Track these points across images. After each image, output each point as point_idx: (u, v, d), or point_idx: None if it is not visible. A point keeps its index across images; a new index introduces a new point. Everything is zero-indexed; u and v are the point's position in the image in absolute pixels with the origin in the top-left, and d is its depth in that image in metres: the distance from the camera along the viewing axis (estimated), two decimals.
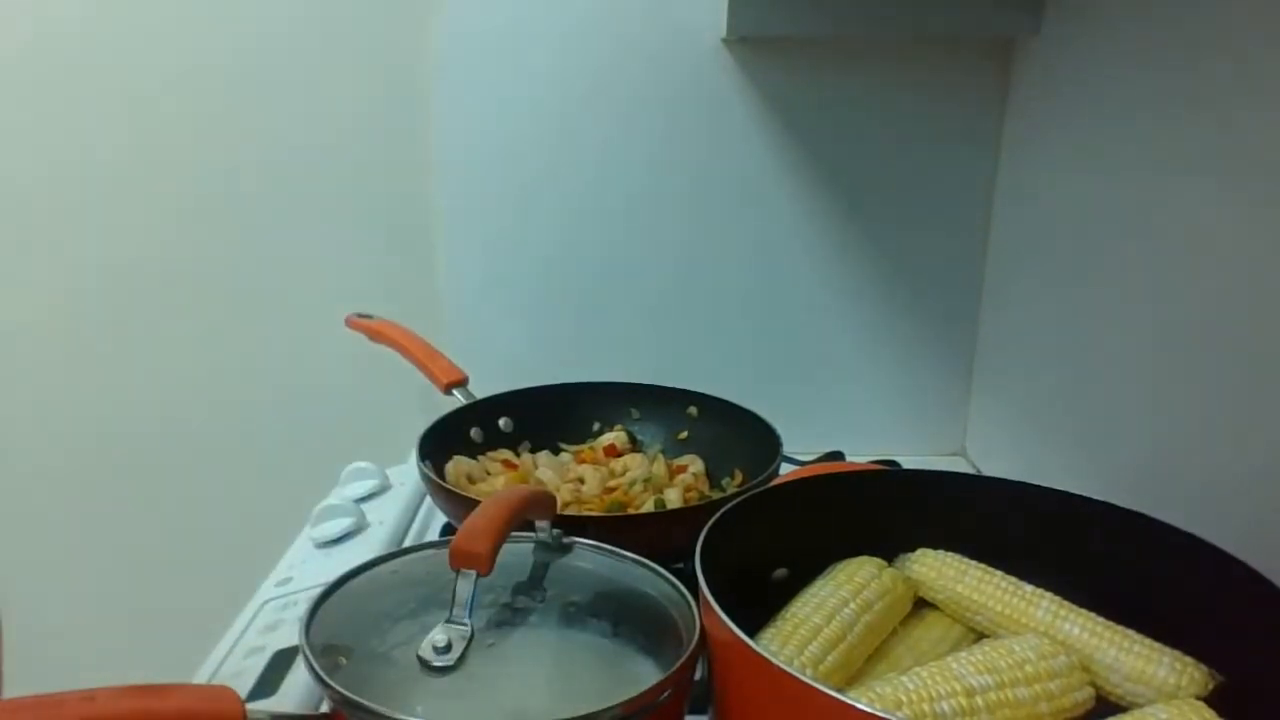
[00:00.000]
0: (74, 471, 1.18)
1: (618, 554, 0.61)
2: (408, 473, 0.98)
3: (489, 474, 0.89)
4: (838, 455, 1.02)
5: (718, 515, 0.58)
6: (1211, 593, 0.53)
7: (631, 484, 0.86)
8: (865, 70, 1.02)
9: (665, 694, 0.48)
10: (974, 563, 0.62)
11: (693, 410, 0.96)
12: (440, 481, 0.79)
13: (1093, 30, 0.84)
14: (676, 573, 0.58)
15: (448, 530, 0.87)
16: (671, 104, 1.03)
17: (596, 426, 0.98)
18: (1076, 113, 0.88)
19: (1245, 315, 0.63)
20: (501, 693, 0.48)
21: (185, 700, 0.39)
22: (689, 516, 0.66)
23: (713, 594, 0.49)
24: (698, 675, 0.52)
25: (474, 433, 0.93)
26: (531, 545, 0.61)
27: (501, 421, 0.96)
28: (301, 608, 0.55)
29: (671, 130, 1.04)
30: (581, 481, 0.87)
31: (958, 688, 0.48)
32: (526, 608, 0.54)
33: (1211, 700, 0.49)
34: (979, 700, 0.48)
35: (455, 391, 0.94)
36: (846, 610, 0.56)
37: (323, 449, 1.07)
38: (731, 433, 0.91)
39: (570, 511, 0.81)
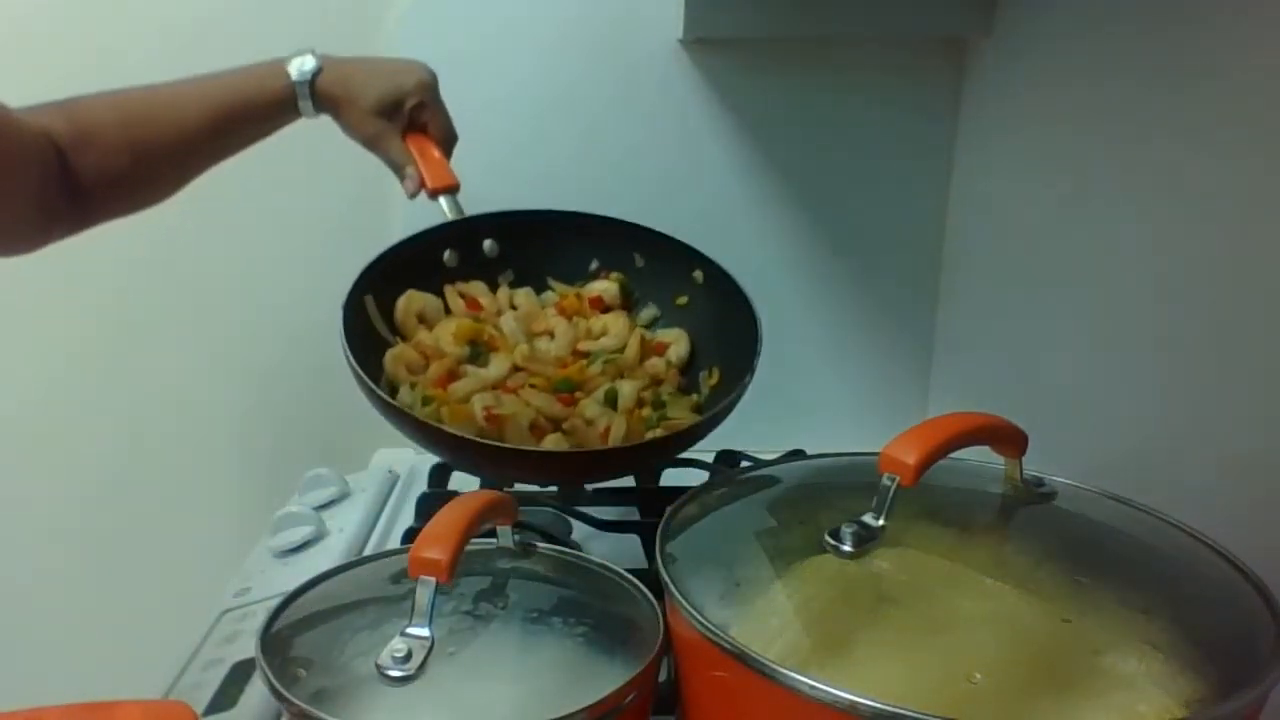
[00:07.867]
0: (25, 479, 1.16)
1: (580, 558, 0.61)
2: (368, 479, 0.97)
3: (447, 314, 0.79)
4: (799, 454, 1.02)
5: (673, 509, 0.58)
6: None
7: (593, 359, 0.78)
8: (821, 70, 1.02)
9: (630, 697, 0.48)
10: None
11: (698, 275, 0.84)
12: (366, 380, 0.68)
13: (1041, 31, 0.86)
14: (640, 576, 0.58)
15: (409, 537, 0.86)
16: (628, 104, 1.03)
17: (594, 265, 0.86)
18: (1026, 112, 0.89)
19: (1198, 314, 0.64)
20: (463, 701, 0.48)
21: (136, 718, 0.38)
22: (612, 458, 0.67)
23: (679, 591, 0.49)
24: (662, 677, 0.52)
25: (448, 256, 0.81)
26: (493, 551, 0.60)
27: (486, 244, 0.83)
28: (260, 618, 0.54)
29: (628, 130, 1.04)
30: (551, 336, 0.79)
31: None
32: (488, 614, 0.54)
33: None
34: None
35: (441, 199, 0.79)
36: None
37: (282, 455, 1.05)
38: (725, 316, 0.82)
39: (517, 380, 0.74)
